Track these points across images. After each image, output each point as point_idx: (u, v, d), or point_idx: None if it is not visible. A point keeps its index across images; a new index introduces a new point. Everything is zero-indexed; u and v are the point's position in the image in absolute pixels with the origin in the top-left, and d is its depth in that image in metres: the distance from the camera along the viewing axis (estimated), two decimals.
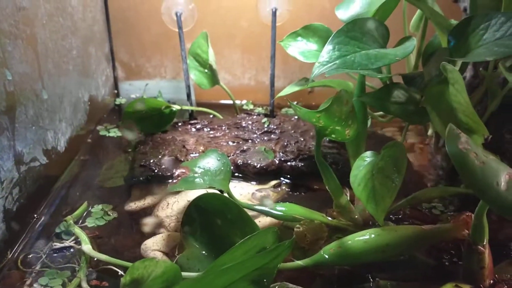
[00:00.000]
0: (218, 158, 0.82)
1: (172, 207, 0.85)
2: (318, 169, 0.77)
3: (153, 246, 0.77)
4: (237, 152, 1.00)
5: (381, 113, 0.99)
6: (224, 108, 1.28)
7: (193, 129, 1.11)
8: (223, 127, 1.11)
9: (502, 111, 0.77)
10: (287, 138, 1.05)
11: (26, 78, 0.80)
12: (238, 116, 1.17)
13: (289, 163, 0.97)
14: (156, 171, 0.96)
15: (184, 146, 1.02)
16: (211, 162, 0.81)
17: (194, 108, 1.18)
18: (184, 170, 0.78)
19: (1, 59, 0.72)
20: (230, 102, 1.25)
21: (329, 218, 0.80)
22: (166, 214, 0.84)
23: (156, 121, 1.10)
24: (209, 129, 1.11)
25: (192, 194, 0.83)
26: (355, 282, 0.69)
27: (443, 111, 0.65)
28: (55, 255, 0.74)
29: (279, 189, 0.93)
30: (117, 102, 1.35)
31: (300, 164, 0.97)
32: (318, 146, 0.74)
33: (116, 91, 1.38)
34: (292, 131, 1.08)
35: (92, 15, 1.16)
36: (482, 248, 0.63)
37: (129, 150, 1.08)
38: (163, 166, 0.96)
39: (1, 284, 0.68)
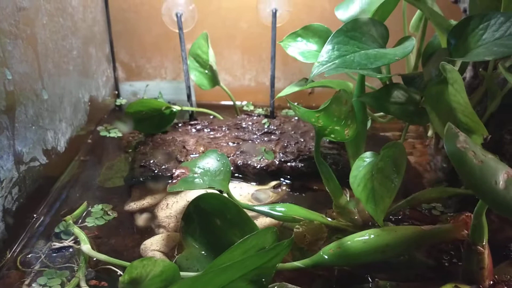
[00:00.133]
0: (218, 159, 0.82)
1: (171, 207, 0.85)
2: (318, 170, 0.77)
3: (153, 246, 0.77)
4: (237, 152, 1.00)
5: (381, 113, 0.99)
6: (225, 109, 1.28)
7: (193, 130, 1.11)
8: (223, 128, 1.11)
9: (502, 112, 0.77)
10: (287, 139, 1.05)
11: (26, 78, 0.80)
12: (238, 117, 1.17)
13: (289, 164, 0.97)
14: (156, 171, 0.96)
15: (184, 147, 1.02)
16: (210, 162, 0.81)
17: (194, 109, 1.18)
18: (183, 171, 0.78)
19: (1, 59, 0.72)
20: (231, 103, 1.25)
21: (329, 219, 0.80)
22: (166, 214, 0.84)
23: (156, 122, 1.10)
24: (209, 130, 1.11)
25: (191, 195, 0.83)
26: (355, 282, 0.69)
27: (442, 111, 0.65)
28: (54, 255, 0.74)
29: (279, 189, 0.93)
30: (117, 103, 1.35)
31: (300, 164, 0.97)
32: (317, 146, 0.74)
33: (116, 92, 1.38)
34: (292, 132, 1.08)
35: (92, 15, 1.16)
36: (481, 249, 0.62)
37: (129, 150, 1.08)
38: (163, 167, 0.96)
39: (0, 284, 0.68)
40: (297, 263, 0.69)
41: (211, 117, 1.20)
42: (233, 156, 0.98)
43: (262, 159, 0.97)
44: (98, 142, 1.13)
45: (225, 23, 1.29)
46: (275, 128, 1.10)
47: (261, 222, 0.83)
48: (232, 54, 1.34)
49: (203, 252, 0.69)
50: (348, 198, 0.82)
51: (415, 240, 0.68)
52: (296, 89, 0.97)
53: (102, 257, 0.70)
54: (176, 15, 1.13)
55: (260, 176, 0.96)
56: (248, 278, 0.53)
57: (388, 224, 0.77)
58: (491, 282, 0.65)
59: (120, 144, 1.12)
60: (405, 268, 0.71)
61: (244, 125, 1.12)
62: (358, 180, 0.71)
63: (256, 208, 0.79)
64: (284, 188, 0.94)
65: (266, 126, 1.11)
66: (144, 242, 0.77)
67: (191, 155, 0.99)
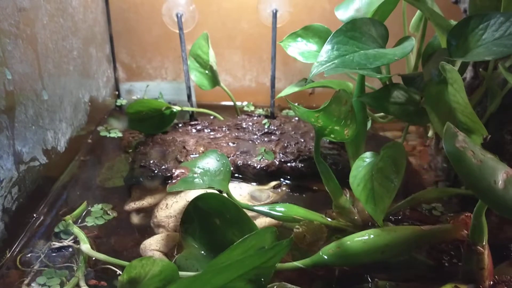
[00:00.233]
0: (218, 159, 0.82)
1: (171, 207, 0.85)
2: (318, 170, 0.77)
3: (152, 246, 0.77)
4: (237, 153, 1.00)
5: (381, 114, 0.99)
6: (225, 110, 1.28)
7: (194, 130, 1.11)
8: (224, 128, 1.11)
9: (502, 112, 0.76)
10: (288, 139, 1.05)
11: (26, 78, 0.80)
12: (238, 117, 1.17)
13: (289, 164, 0.97)
14: (156, 171, 0.96)
15: (184, 147, 1.02)
16: (210, 162, 0.81)
17: (194, 109, 1.18)
18: (183, 171, 0.78)
19: (1, 59, 0.72)
20: (231, 103, 1.25)
21: (329, 219, 0.80)
22: (165, 214, 0.84)
23: (156, 122, 1.10)
24: (209, 130, 1.11)
25: (191, 195, 0.83)
26: (354, 282, 0.69)
27: (442, 112, 0.65)
28: (53, 254, 0.74)
29: (279, 190, 0.93)
30: (118, 103, 1.35)
31: (300, 165, 0.97)
32: (317, 147, 0.74)
33: (117, 92, 1.38)
34: (293, 132, 1.08)
35: (93, 16, 1.16)
36: (481, 249, 0.62)
37: (130, 150, 1.08)
38: (163, 167, 0.96)
39: (0, 283, 0.68)
40: (297, 263, 0.69)
41: (212, 117, 1.20)
42: (233, 156, 0.98)
43: (262, 160, 0.97)
44: (98, 142, 1.13)
45: (225, 23, 1.29)
46: (275, 128, 1.10)
47: (261, 222, 0.83)
48: (233, 54, 1.34)
49: (202, 252, 0.69)
50: (348, 198, 0.82)
51: (415, 240, 0.68)
52: (296, 89, 0.97)
53: (102, 256, 0.70)
54: (177, 15, 1.13)
55: (260, 176, 0.96)
56: (247, 278, 0.53)
57: (388, 224, 0.77)
58: (491, 282, 0.65)
59: (120, 144, 1.12)
60: (404, 268, 0.71)
61: (244, 126, 1.12)
62: (358, 180, 0.71)
63: (256, 208, 0.79)
64: (284, 188, 0.94)
65: (266, 127, 1.10)
66: (144, 242, 0.77)
67: (191, 155, 0.99)
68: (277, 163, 0.97)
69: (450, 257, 0.73)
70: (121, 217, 0.84)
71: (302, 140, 1.04)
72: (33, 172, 0.83)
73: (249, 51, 1.33)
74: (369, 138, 0.92)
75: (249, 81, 1.37)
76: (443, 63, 0.62)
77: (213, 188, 0.75)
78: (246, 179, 0.97)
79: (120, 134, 1.15)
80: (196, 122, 1.14)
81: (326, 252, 0.68)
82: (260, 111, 1.31)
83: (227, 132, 1.10)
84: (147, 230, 0.81)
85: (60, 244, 0.75)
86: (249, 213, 0.72)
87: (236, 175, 0.97)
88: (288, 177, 0.97)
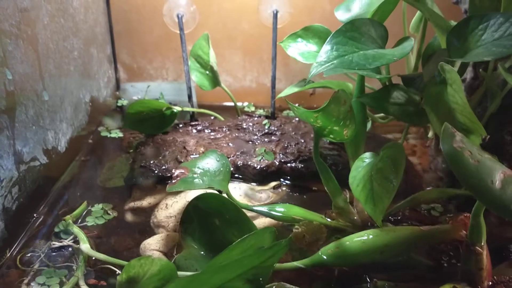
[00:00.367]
0: (218, 159, 0.82)
1: (171, 207, 0.85)
2: (318, 171, 0.77)
3: (152, 246, 0.77)
4: (237, 153, 1.00)
5: (381, 114, 0.99)
6: (226, 110, 1.28)
7: (194, 131, 1.12)
8: (224, 129, 1.11)
9: (502, 113, 0.77)
10: (288, 139, 1.05)
11: (26, 78, 0.80)
12: (239, 117, 1.17)
13: (289, 165, 0.97)
14: (156, 171, 0.96)
15: (184, 147, 1.02)
16: (210, 162, 0.81)
17: (195, 109, 1.19)
18: (183, 171, 0.78)
19: (2, 59, 0.72)
20: (232, 104, 1.25)
21: (328, 219, 0.80)
22: (166, 215, 0.84)
23: (157, 123, 1.10)
24: (210, 131, 1.11)
25: (191, 195, 0.83)
26: (353, 282, 0.69)
27: (441, 112, 0.65)
28: (53, 254, 0.74)
29: (279, 190, 0.93)
30: (118, 104, 1.35)
31: (300, 165, 0.97)
32: (316, 147, 0.74)
33: (118, 93, 1.38)
34: (293, 133, 1.08)
35: (94, 16, 1.17)
36: (479, 249, 0.62)
37: (130, 151, 1.08)
38: (163, 167, 0.96)
39: (0, 283, 0.68)
40: (296, 263, 0.69)
41: (212, 118, 1.20)
42: (233, 156, 0.99)
43: (262, 160, 0.97)
44: (99, 142, 1.13)
45: (226, 24, 1.29)
46: (275, 129, 1.10)
47: (261, 222, 0.83)
48: (233, 55, 1.34)
49: (202, 252, 0.69)
50: (347, 199, 0.82)
51: (414, 241, 0.68)
52: (295, 89, 0.97)
53: (101, 256, 0.70)
54: (178, 16, 1.13)
55: (260, 176, 0.96)
56: (245, 277, 0.53)
57: (387, 224, 0.77)
58: (490, 283, 0.65)
59: (121, 144, 1.12)
60: (403, 268, 0.71)
61: (244, 126, 1.12)
62: (357, 180, 0.71)
63: (256, 208, 0.79)
64: (284, 188, 0.94)
65: (266, 127, 1.11)
66: (144, 242, 0.78)
67: (192, 156, 0.99)
68: (277, 163, 0.97)
69: (449, 258, 0.73)
70: (121, 217, 0.85)
71: (302, 141, 1.04)
72: (33, 172, 0.83)
73: (250, 52, 1.33)
74: (369, 139, 0.92)
75: (250, 82, 1.37)
76: (442, 63, 0.62)
77: (212, 188, 0.75)
78: (246, 179, 0.97)
79: (120, 135, 1.16)
80: (196, 123, 1.15)
81: (325, 252, 0.68)
82: (260, 111, 1.31)
83: (228, 132, 1.10)
84: (147, 230, 0.81)
85: (60, 244, 0.76)
86: (249, 213, 0.73)
87: (236, 175, 0.97)
88: (288, 177, 0.97)
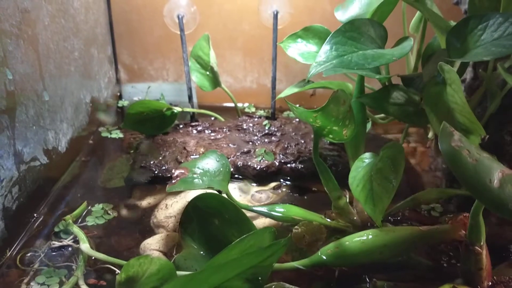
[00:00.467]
0: (218, 159, 0.82)
1: (171, 207, 0.85)
2: (317, 171, 0.77)
3: (152, 246, 0.77)
4: (238, 154, 1.00)
5: (382, 115, 0.99)
6: (226, 111, 1.29)
7: (194, 131, 1.12)
8: (224, 129, 1.11)
9: (502, 113, 0.76)
10: (288, 140, 1.05)
11: (27, 78, 0.80)
12: (239, 118, 1.17)
13: (289, 165, 0.97)
14: (156, 172, 0.96)
15: (184, 148, 1.03)
16: (210, 163, 0.81)
17: (195, 110, 1.19)
18: (183, 171, 0.78)
19: (2, 59, 0.73)
20: (232, 105, 1.25)
21: (328, 220, 0.80)
22: (166, 215, 0.84)
23: (157, 123, 1.10)
24: (210, 131, 1.11)
25: (191, 195, 0.83)
26: (353, 282, 0.69)
27: (441, 112, 0.65)
28: (53, 253, 0.74)
29: (279, 190, 0.93)
30: (119, 104, 1.36)
31: (300, 166, 0.97)
32: (315, 147, 0.74)
33: (118, 93, 1.38)
34: (293, 134, 1.08)
35: (94, 17, 1.17)
36: (479, 249, 0.62)
37: (131, 151, 1.08)
38: (163, 168, 0.97)
39: (0, 282, 0.68)
40: (295, 263, 0.69)
41: (212, 118, 1.20)
42: (233, 157, 0.99)
43: (262, 160, 0.97)
44: (99, 143, 1.13)
45: (226, 25, 1.29)
46: (275, 129, 1.10)
47: (260, 222, 0.83)
48: (234, 56, 1.34)
49: (201, 252, 0.69)
50: (347, 199, 0.82)
51: (413, 241, 0.68)
52: (295, 90, 0.97)
53: (101, 256, 0.71)
54: (178, 16, 1.13)
55: (260, 177, 0.96)
56: (244, 277, 0.53)
57: (386, 225, 0.77)
58: (490, 283, 0.65)
59: (121, 145, 1.12)
60: (403, 268, 0.71)
61: (245, 127, 1.12)
62: (357, 180, 0.71)
63: (255, 208, 0.79)
64: (284, 189, 0.94)
65: (267, 128, 1.11)
66: (144, 242, 0.78)
67: (192, 156, 1.00)
68: (277, 164, 0.97)
69: (448, 258, 0.73)
70: (122, 217, 0.85)
71: (303, 141, 1.04)
72: (33, 172, 0.83)
73: (250, 53, 1.33)
74: (369, 140, 0.92)
75: (250, 83, 1.37)
76: (442, 63, 0.62)
77: (212, 188, 0.75)
78: (246, 180, 0.97)
79: (121, 135, 1.16)
80: (197, 123, 1.15)
81: (324, 252, 0.68)
82: (261, 112, 1.31)
83: (228, 133, 1.10)
84: (147, 230, 0.81)
85: (60, 244, 0.76)
86: (249, 214, 0.73)
87: (236, 176, 0.97)
88: (288, 178, 0.97)
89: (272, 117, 1.19)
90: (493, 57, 0.61)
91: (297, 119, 1.17)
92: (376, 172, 0.70)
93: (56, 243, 0.76)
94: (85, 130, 1.10)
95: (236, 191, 0.93)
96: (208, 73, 1.18)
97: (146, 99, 1.28)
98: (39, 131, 0.86)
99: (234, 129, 1.12)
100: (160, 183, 0.95)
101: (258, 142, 1.05)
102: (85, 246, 0.73)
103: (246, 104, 1.37)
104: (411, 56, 0.91)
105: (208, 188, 0.76)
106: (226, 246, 0.56)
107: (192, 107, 1.18)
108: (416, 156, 1.09)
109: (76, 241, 0.75)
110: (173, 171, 0.92)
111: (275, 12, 1.12)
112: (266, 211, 0.78)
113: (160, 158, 1.00)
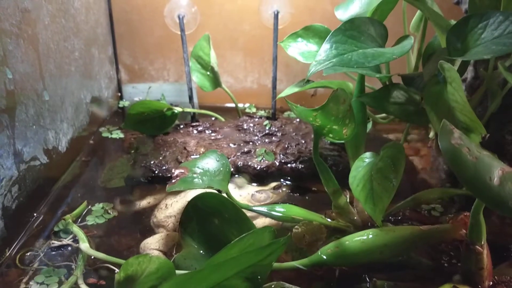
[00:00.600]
0: (218, 159, 0.82)
1: (171, 207, 0.85)
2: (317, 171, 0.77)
3: (152, 245, 0.77)
4: (238, 154, 1.00)
5: (382, 115, 0.99)
6: (227, 111, 1.29)
7: (195, 131, 1.12)
8: (225, 130, 1.11)
9: (503, 112, 0.76)
10: (288, 140, 1.05)
11: (27, 78, 0.80)
12: (240, 118, 1.17)
13: (289, 165, 0.97)
14: (156, 172, 0.96)
15: (185, 148, 1.02)
16: (210, 162, 0.81)
17: (196, 110, 1.19)
18: (183, 171, 0.78)
19: (2, 58, 0.73)
20: (233, 105, 1.25)
21: (328, 219, 0.80)
22: (166, 214, 0.84)
23: (157, 123, 1.10)
24: (210, 131, 1.11)
25: (191, 195, 0.83)
26: (353, 282, 0.68)
27: (441, 111, 0.65)
28: (53, 253, 0.74)
29: (279, 190, 0.93)
30: (120, 105, 1.36)
31: (300, 166, 0.97)
32: (315, 146, 0.74)
33: (119, 94, 1.39)
34: (294, 134, 1.08)
35: (95, 17, 1.17)
36: (480, 248, 0.62)
37: (131, 151, 1.08)
38: (164, 168, 0.96)
39: (0, 282, 0.68)
40: (295, 263, 0.69)
41: (213, 118, 1.20)
42: (233, 157, 0.98)
43: (262, 160, 0.97)
44: (100, 143, 1.13)
45: (227, 25, 1.29)
46: (276, 129, 1.10)
47: (261, 222, 0.83)
48: (234, 56, 1.34)
49: (201, 252, 0.69)
50: (348, 199, 0.82)
51: (413, 240, 0.68)
52: (296, 89, 0.97)
53: (100, 255, 0.70)
54: (179, 17, 1.13)
55: (260, 177, 0.96)
56: (244, 276, 0.53)
57: (387, 224, 0.77)
58: (491, 283, 0.65)
59: (122, 145, 1.12)
60: (403, 268, 0.71)
61: (245, 127, 1.12)
62: (357, 180, 0.71)
63: (256, 208, 0.78)
64: (284, 189, 0.94)
65: (267, 128, 1.11)
66: (144, 241, 0.77)
67: (192, 156, 0.99)
68: (277, 164, 0.97)
69: (449, 257, 0.72)
70: (122, 217, 0.84)
71: (303, 142, 1.04)
72: (33, 172, 0.83)
73: (251, 53, 1.33)
74: (370, 140, 0.92)
75: (251, 83, 1.37)
76: (442, 62, 0.62)
77: (212, 188, 0.75)
78: (241, 175, 0.97)
79: (121, 135, 1.16)
80: (197, 123, 1.15)
81: (324, 252, 0.68)
82: (261, 112, 1.31)
83: (228, 133, 1.10)
84: (147, 230, 0.81)
85: (60, 243, 0.76)
86: (249, 214, 0.72)
87: (237, 176, 0.97)
88: (288, 178, 0.97)
89: (272, 117, 1.18)
90: (493, 56, 0.60)
91: (298, 119, 1.16)
92: (376, 172, 0.70)
93: (56, 243, 0.76)
94: (85, 130, 1.10)
95: (231, 185, 0.92)
96: (208, 73, 1.18)
97: (147, 100, 1.29)
98: (39, 131, 0.86)
99: (235, 129, 1.11)
100: (160, 183, 0.94)
101: (259, 142, 1.05)
102: (84, 245, 0.72)
103: (247, 105, 1.37)
104: (411, 55, 0.91)
105: (208, 187, 0.76)
106: (225, 245, 0.56)
107: (193, 107, 1.18)
108: (417, 156, 1.08)
109: (76, 240, 0.75)
110: (173, 170, 0.92)
111: (276, 12, 1.12)
112: (266, 211, 0.78)
113: (161, 158, 0.99)
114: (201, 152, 1.01)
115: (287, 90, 0.99)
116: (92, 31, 1.15)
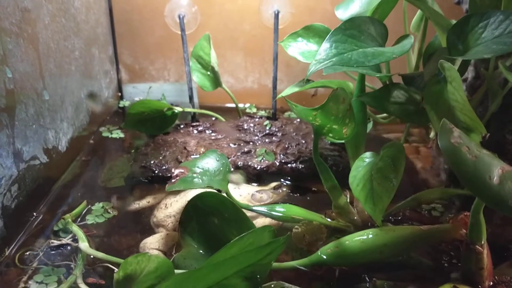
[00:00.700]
0: (217, 159, 0.82)
1: (171, 207, 0.85)
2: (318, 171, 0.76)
3: (152, 245, 0.77)
4: (238, 154, 1.00)
5: (383, 115, 0.98)
6: (227, 112, 1.29)
7: (195, 131, 1.12)
8: (225, 129, 1.11)
9: (503, 112, 0.76)
10: (289, 140, 1.05)
11: (27, 77, 0.80)
12: (240, 118, 1.17)
13: (289, 165, 0.97)
14: (156, 172, 0.96)
15: (185, 148, 1.02)
16: (210, 162, 0.81)
17: (196, 110, 1.19)
18: (183, 170, 0.78)
19: (2, 57, 0.72)
20: (233, 105, 1.25)
21: (328, 219, 0.80)
22: (165, 214, 0.84)
23: (158, 123, 1.10)
24: (211, 131, 1.11)
25: (191, 194, 0.83)
26: (353, 282, 0.68)
27: (441, 110, 0.65)
28: (52, 252, 0.74)
29: (279, 190, 0.93)
30: (120, 105, 1.36)
31: (300, 166, 0.97)
32: (315, 146, 0.74)
33: (119, 94, 1.38)
34: (294, 134, 1.08)
35: (95, 17, 1.17)
36: (480, 248, 0.62)
37: (131, 151, 1.08)
38: (164, 167, 0.96)
39: None
40: (295, 263, 0.69)
41: (213, 118, 1.20)
42: (233, 157, 0.98)
43: (262, 160, 0.97)
44: (100, 142, 1.13)
45: (227, 25, 1.29)
46: (276, 130, 1.10)
47: (261, 222, 0.82)
48: (235, 56, 1.34)
49: (201, 251, 0.69)
50: (348, 199, 0.81)
51: (413, 240, 0.68)
52: (296, 89, 0.96)
53: (100, 254, 0.70)
54: (179, 16, 1.13)
55: (260, 177, 0.96)
56: (243, 275, 0.52)
57: (387, 224, 0.77)
58: (491, 283, 0.65)
59: (122, 144, 1.12)
60: (403, 268, 0.71)
61: (245, 127, 1.12)
62: (357, 180, 0.71)
63: (256, 208, 0.78)
64: (284, 189, 0.94)
65: (267, 128, 1.10)
66: (143, 241, 0.77)
67: (192, 156, 0.99)
68: (278, 164, 0.97)
69: (449, 257, 0.72)
70: (122, 216, 0.84)
71: (303, 142, 1.04)
72: (33, 171, 0.83)
73: (251, 53, 1.33)
74: (371, 140, 0.91)
75: (251, 83, 1.37)
76: (442, 61, 0.62)
77: (212, 187, 0.75)
78: (238, 171, 0.97)
79: (122, 135, 1.16)
80: (197, 123, 1.15)
81: (324, 251, 0.68)
82: (262, 112, 1.31)
83: (229, 133, 1.10)
84: (147, 229, 0.81)
85: (59, 243, 0.76)
86: (249, 214, 0.72)
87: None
88: (289, 178, 0.97)
89: (273, 117, 1.18)
90: (494, 55, 0.60)
91: (298, 120, 1.16)
92: (376, 172, 0.70)
93: (55, 242, 0.76)
94: (85, 130, 1.10)
95: (230, 185, 0.92)
96: (209, 73, 1.18)
97: (147, 99, 1.28)
98: (39, 130, 0.86)
99: (235, 129, 1.11)
100: (160, 182, 0.94)
101: (259, 142, 1.05)
102: (84, 245, 0.72)
103: (247, 105, 1.37)
104: (412, 55, 0.91)
105: (208, 187, 0.76)
106: (225, 245, 0.56)
107: (193, 107, 1.18)
108: (417, 156, 1.08)
109: (75, 240, 0.75)
110: (173, 170, 0.92)
111: (276, 12, 1.12)
112: (266, 210, 0.78)
113: (161, 158, 0.99)
114: (201, 152, 1.01)
115: (287, 90, 0.99)
116: (92, 31, 1.15)
